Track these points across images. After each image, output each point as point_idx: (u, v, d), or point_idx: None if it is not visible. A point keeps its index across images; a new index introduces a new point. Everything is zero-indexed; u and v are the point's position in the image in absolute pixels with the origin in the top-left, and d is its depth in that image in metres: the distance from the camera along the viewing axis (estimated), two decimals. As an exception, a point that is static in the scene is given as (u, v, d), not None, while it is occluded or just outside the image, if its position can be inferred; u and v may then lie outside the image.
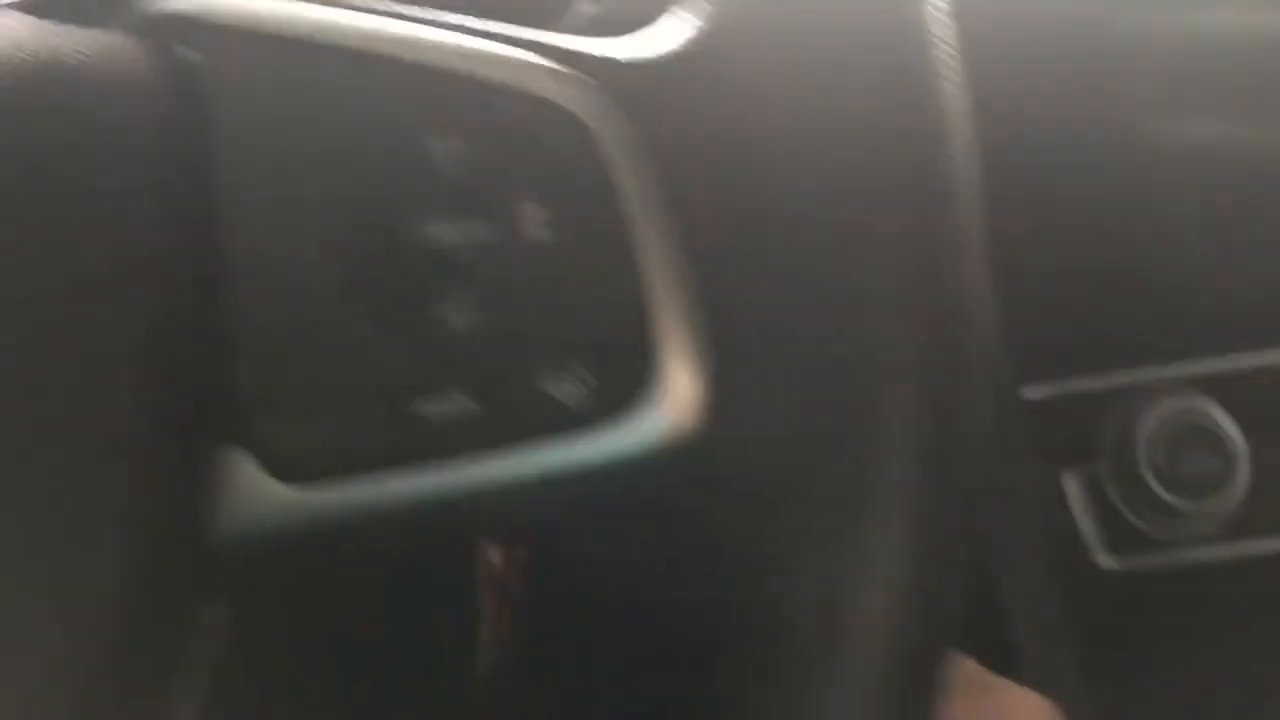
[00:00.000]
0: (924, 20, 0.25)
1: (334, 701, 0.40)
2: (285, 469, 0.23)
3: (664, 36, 0.25)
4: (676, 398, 0.24)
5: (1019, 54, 0.49)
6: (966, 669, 0.40)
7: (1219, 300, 0.48)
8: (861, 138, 0.24)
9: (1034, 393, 0.47)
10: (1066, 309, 0.48)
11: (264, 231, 0.24)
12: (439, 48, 0.24)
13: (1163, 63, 0.50)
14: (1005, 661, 0.43)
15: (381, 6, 0.26)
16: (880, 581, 0.24)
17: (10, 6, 0.27)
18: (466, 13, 0.26)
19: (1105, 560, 0.46)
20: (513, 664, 0.43)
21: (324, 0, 0.25)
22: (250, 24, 0.25)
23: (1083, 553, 0.46)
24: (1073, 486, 0.46)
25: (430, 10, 0.26)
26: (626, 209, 0.24)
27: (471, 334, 0.24)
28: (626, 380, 0.24)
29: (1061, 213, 0.48)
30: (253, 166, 0.24)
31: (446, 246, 0.24)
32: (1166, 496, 0.45)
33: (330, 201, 0.24)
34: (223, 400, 0.23)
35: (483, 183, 0.24)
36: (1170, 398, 0.46)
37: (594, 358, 0.23)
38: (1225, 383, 0.47)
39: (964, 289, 0.26)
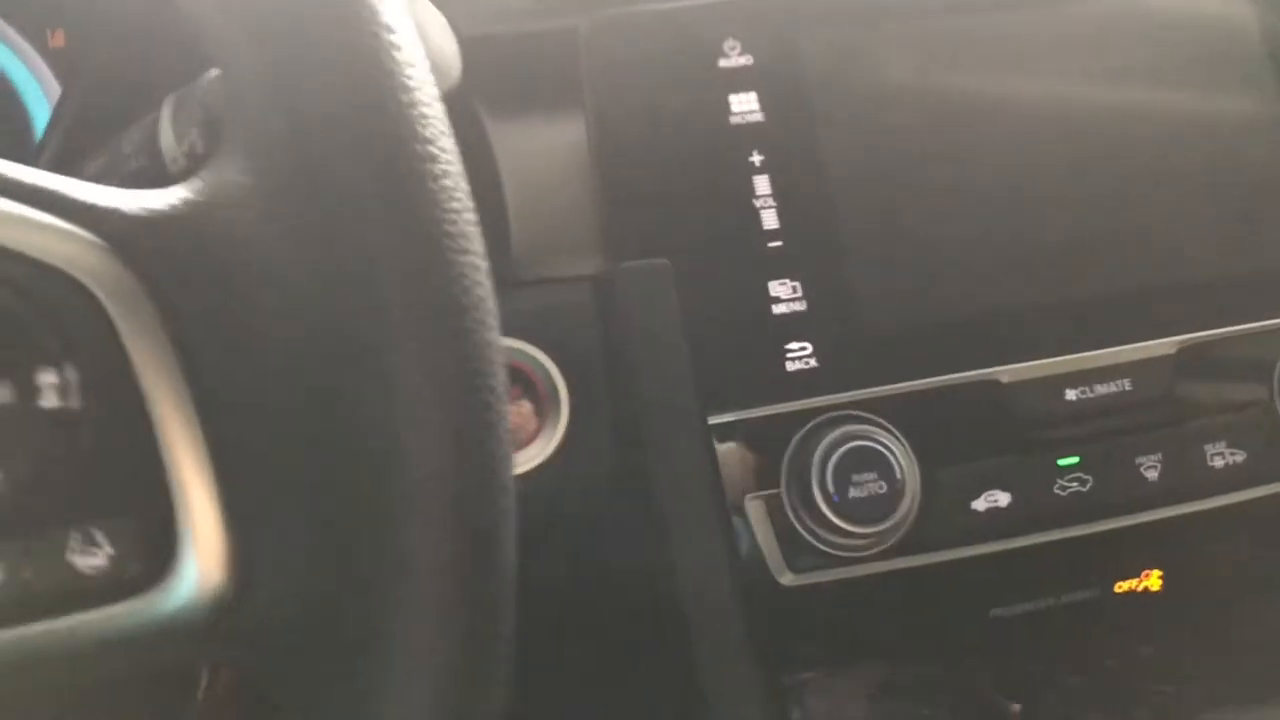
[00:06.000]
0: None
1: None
2: None
3: (169, 195, 0.24)
4: (204, 559, 0.23)
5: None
6: None
7: (890, 330, 0.50)
8: (357, 277, 0.24)
9: (720, 419, 0.49)
10: (748, 339, 0.49)
11: None
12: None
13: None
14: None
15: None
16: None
17: None
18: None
19: (787, 579, 0.49)
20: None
21: None
22: None
23: (766, 573, 0.49)
24: (756, 511, 0.49)
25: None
26: (140, 375, 0.23)
27: (-5, 502, 0.23)
28: (150, 548, 0.23)
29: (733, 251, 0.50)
30: None
31: (-34, 410, 0.23)
32: (837, 520, 0.47)
33: None
34: None
35: (-4, 346, 0.23)
36: (846, 425, 0.48)
37: (116, 528, 0.23)
38: (898, 407, 0.49)
39: (483, 411, 0.26)
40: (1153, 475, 0.52)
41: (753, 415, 0.49)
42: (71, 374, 0.23)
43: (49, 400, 0.23)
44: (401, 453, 0.24)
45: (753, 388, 0.50)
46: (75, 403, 0.23)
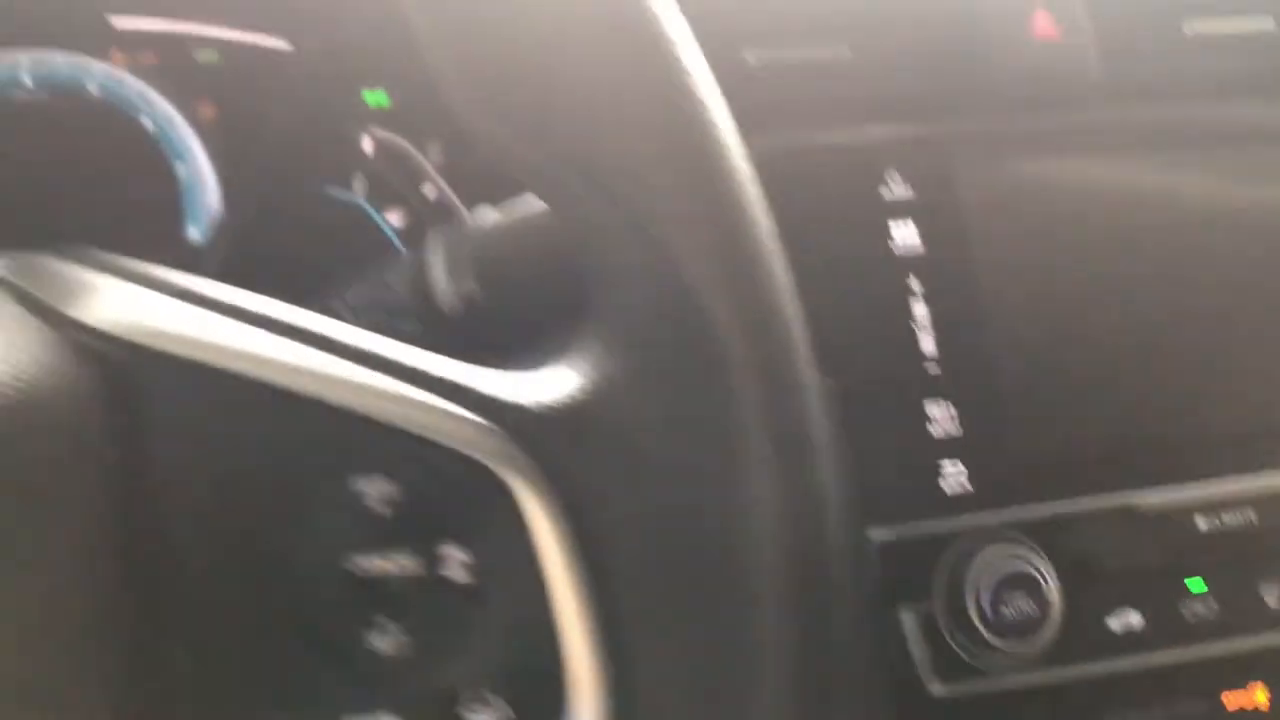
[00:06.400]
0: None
1: None
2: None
3: (559, 387, 0.27)
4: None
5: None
6: None
7: (1038, 452, 0.53)
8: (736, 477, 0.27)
9: (879, 534, 0.52)
10: (905, 457, 0.52)
11: (202, 553, 0.25)
12: (361, 390, 0.26)
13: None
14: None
15: (312, 323, 0.27)
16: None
17: None
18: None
19: (937, 689, 0.52)
20: None
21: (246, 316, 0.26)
22: (172, 348, 0.25)
23: (917, 682, 0.51)
24: (909, 623, 0.51)
25: (352, 330, 0.27)
26: (541, 556, 0.26)
27: (397, 661, 0.26)
28: (540, 709, 0.26)
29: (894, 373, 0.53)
30: (188, 487, 0.25)
31: (375, 577, 0.26)
32: (990, 637, 0.50)
33: (263, 529, 0.26)
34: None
35: (409, 522, 0.26)
36: (997, 544, 0.51)
37: (510, 689, 0.26)
38: (1045, 528, 0.52)
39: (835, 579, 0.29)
40: (1273, 601, 0.55)
41: (910, 532, 0.52)
42: (476, 551, 0.26)
43: (455, 574, 0.26)
44: (762, 604, 0.27)
45: (908, 504, 0.53)
46: (479, 578, 0.26)
